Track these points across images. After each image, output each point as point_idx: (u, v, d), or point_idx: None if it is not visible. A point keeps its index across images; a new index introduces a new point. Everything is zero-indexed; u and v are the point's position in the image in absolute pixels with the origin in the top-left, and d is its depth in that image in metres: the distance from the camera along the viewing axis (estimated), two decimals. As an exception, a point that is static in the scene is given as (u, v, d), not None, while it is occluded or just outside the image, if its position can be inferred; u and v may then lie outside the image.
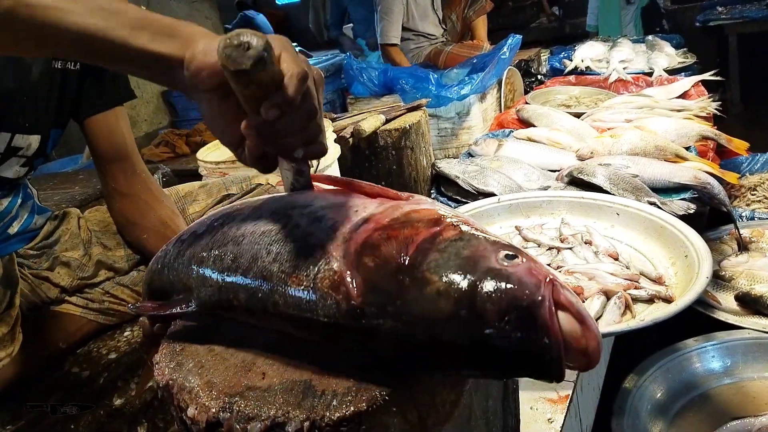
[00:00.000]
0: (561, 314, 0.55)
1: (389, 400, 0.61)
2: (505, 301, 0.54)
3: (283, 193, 0.80)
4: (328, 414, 0.60)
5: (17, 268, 1.25)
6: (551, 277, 0.56)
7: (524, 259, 0.58)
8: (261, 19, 7.10)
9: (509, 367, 0.57)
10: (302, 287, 0.63)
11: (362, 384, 0.63)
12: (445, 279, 0.57)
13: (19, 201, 1.27)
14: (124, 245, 1.38)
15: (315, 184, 0.79)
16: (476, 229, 0.63)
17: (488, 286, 0.55)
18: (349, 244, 0.63)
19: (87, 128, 1.29)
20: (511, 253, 0.58)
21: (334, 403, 0.61)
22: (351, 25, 5.06)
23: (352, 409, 0.60)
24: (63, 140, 3.63)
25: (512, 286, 0.55)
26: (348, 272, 0.61)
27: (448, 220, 0.64)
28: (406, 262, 0.59)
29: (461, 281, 0.56)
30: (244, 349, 0.73)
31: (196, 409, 0.66)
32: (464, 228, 0.63)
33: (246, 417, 0.62)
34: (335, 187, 0.78)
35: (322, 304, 0.62)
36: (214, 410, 0.64)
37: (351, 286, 0.60)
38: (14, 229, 1.26)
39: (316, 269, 0.63)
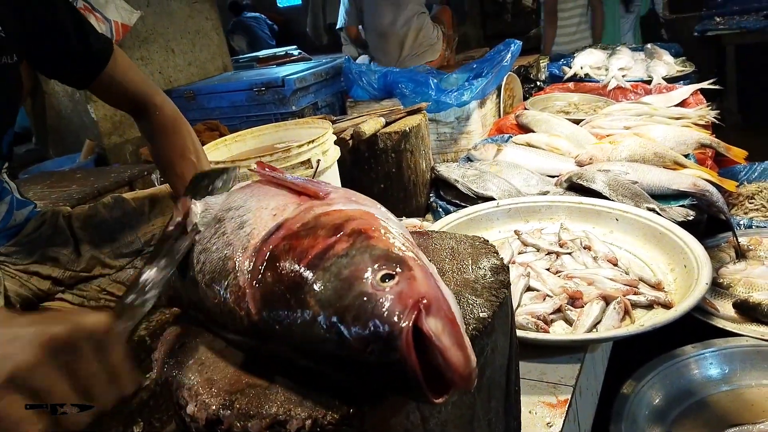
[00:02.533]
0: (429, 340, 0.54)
1: (391, 400, 0.61)
2: (367, 331, 0.55)
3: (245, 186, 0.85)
4: (330, 412, 0.59)
5: None
6: (421, 300, 0.55)
7: (401, 280, 0.57)
8: (261, 23, 7.11)
9: (383, 387, 0.58)
10: (215, 300, 0.69)
11: (362, 384, 0.62)
12: (320, 303, 0.58)
13: None
14: (110, 241, 1.36)
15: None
16: (371, 243, 0.62)
17: (354, 314, 0.56)
18: (257, 257, 0.66)
19: (95, 89, 1.32)
20: (390, 272, 0.58)
21: (337, 401, 0.60)
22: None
23: (354, 407, 0.59)
24: (59, 139, 3.60)
25: (375, 315, 0.55)
26: (249, 288, 0.65)
27: (350, 227, 0.64)
28: (295, 281, 0.61)
29: (332, 307, 0.58)
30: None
31: (195, 406, 0.65)
32: (359, 239, 0.62)
33: (247, 415, 0.62)
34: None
35: (230, 317, 0.67)
36: (214, 407, 0.64)
37: (251, 302, 0.64)
38: None
39: (225, 282, 0.68)
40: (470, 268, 0.81)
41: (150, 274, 0.68)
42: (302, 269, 0.61)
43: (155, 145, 1.36)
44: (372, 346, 0.54)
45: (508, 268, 0.81)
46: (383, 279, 0.57)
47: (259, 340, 0.65)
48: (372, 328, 0.54)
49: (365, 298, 0.56)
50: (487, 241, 0.89)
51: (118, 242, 1.36)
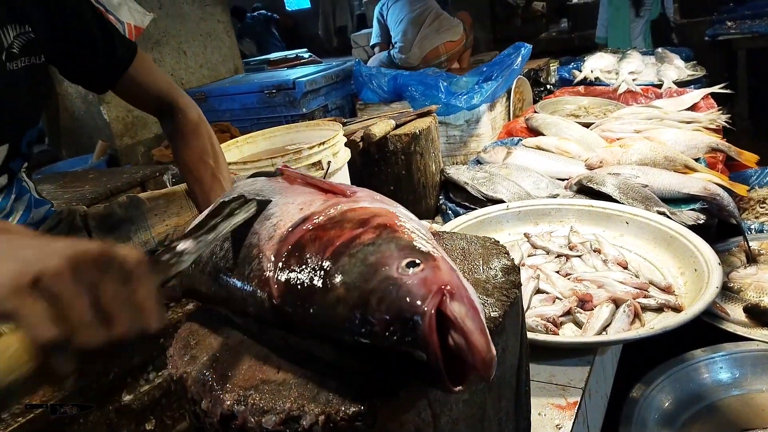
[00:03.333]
0: (450, 325, 0.54)
1: (403, 397, 0.61)
2: (391, 312, 0.55)
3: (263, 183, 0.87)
4: (343, 408, 0.60)
5: None
6: (446, 286, 0.55)
7: (426, 267, 0.58)
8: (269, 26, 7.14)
9: (401, 374, 0.59)
10: (237, 285, 0.70)
11: (375, 381, 0.63)
12: (345, 286, 0.59)
13: (13, 197, 1.27)
14: (126, 240, 1.38)
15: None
16: (397, 233, 0.64)
17: (379, 296, 0.57)
18: (282, 245, 0.68)
19: (119, 91, 1.35)
20: (414, 259, 0.59)
21: (350, 397, 0.61)
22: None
23: (367, 404, 0.60)
24: (72, 140, 3.64)
25: (399, 297, 0.55)
26: (274, 273, 0.66)
27: (376, 221, 0.66)
28: (321, 266, 0.62)
29: (357, 289, 0.58)
30: (258, 344, 0.74)
31: (210, 401, 0.66)
32: (385, 231, 0.64)
33: (261, 410, 0.62)
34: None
35: (252, 300, 0.67)
36: (228, 403, 0.64)
37: (274, 285, 0.65)
38: None
39: (249, 268, 0.69)
40: (481, 268, 0.82)
41: (188, 243, 0.67)
42: (328, 255, 0.62)
43: (176, 146, 1.39)
44: (394, 327, 0.54)
45: (518, 268, 0.81)
46: (408, 266, 0.58)
47: (279, 325, 0.66)
48: (396, 309, 0.55)
49: (390, 282, 0.57)
50: (498, 241, 0.90)
51: (132, 241, 1.37)
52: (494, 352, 0.54)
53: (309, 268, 0.63)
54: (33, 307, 0.51)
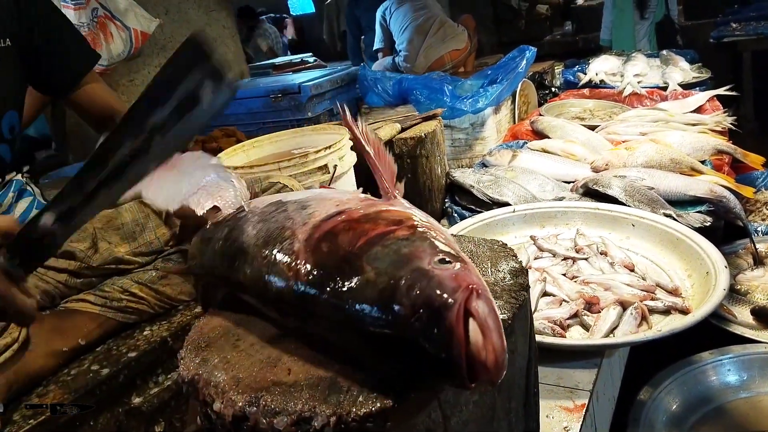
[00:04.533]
0: (471, 323, 0.55)
1: (415, 398, 0.62)
2: (420, 298, 0.56)
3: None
4: (354, 410, 0.60)
5: None
6: (474, 285, 0.57)
7: (457, 266, 0.59)
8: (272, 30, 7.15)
9: (418, 363, 0.58)
10: (264, 260, 0.71)
11: (387, 381, 0.63)
12: (376, 270, 0.61)
13: (11, 195, 1.29)
14: (131, 241, 1.39)
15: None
16: (431, 235, 0.65)
17: (409, 282, 0.58)
18: (315, 230, 0.70)
19: (71, 103, 1.34)
20: (446, 258, 0.60)
21: (360, 399, 0.61)
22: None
23: (378, 405, 0.60)
24: (78, 145, 3.66)
25: (430, 286, 0.57)
26: (303, 252, 0.67)
27: (410, 222, 0.68)
28: (352, 251, 0.64)
29: (388, 274, 0.60)
30: (269, 346, 0.74)
31: (222, 403, 0.67)
32: (419, 230, 0.66)
33: (272, 411, 0.63)
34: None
35: (276, 278, 0.69)
36: (240, 404, 0.65)
37: (302, 265, 0.66)
38: None
39: (280, 246, 0.70)
40: (489, 270, 0.82)
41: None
42: (360, 243, 0.64)
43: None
44: (421, 314, 0.55)
45: (527, 271, 0.82)
46: (440, 262, 0.59)
47: (300, 307, 0.66)
48: (425, 297, 0.56)
49: (422, 272, 0.58)
50: (506, 244, 0.91)
51: (137, 242, 1.38)
52: (506, 355, 0.55)
53: (340, 252, 0.64)
54: None
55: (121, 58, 2.98)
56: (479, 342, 0.54)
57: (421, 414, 0.62)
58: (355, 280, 0.61)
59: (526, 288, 0.77)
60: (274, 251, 0.71)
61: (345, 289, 0.61)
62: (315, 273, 0.65)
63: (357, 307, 0.60)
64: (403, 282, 0.58)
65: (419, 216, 0.71)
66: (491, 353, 0.54)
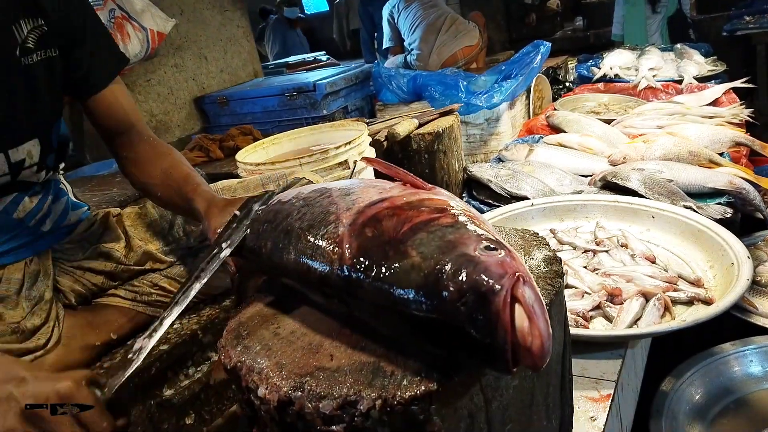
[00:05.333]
0: (517, 308, 0.56)
1: (458, 382, 0.63)
2: (467, 283, 0.57)
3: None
4: (399, 393, 0.62)
5: (53, 263, 1.29)
6: (520, 273, 0.58)
7: (502, 253, 0.60)
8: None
9: (461, 347, 0.59)
10: (309, 243, 0.73)
11: (430, 366, 0.64)
12: (421, 255, 0.62)
13: (50, 198, 1.29)
14: (162, 237, 1.40)
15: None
16: (475, 224, 0.66)
17: (456, 266, 0.59)
18: (359, 215, 0.71)
19: (90, 107, 1.28)
20: (491, 245, 0.61)
21: (405, 382, 0.63)
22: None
23: (422, 388, 0.62)
24: (95, 145, 3.69)
25: (477, 271, 0.58)
26: (348, 237, 0.69)
27: (453, 211, 0.69)
28: (397, 236, 0.65)
29: (434, 259, 0.61)
30: (310, 333, 0.76)
31: (266, 388, 0.68)
32: (462, 219, 0.67)
33: (318, 396, 0.64)
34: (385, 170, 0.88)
35: (320, 259, 0.70)
36: (285, 389, 0.66)
37: (346, 248, 0.68)
38: (47, 226, 1.28)
39: (325, 230, 0.72)
40: (523, 259, 0.84)
41: (143, 342, 0.85)
42: (405, 228, 0.65)
43: (153, 166, 1.30)
44: (467, 297, 0.56)
45: (560, 259, 0.83)
46: (486, 249, 0.60)
47: (344, 290, 0.67)
48: (472, 282, 0.57)
49: (468, 258, 0.59)
50: (537, 233, 0.92)
51: (167, 239, 1.40)
52: (551, 341, 0.56)
53: (385, 236, 0.65)
54: None
55: (138, 59, 3.01)
56: (525, 327, 0.55)
57: (464, 397, 0.64)
58: (400, 264, 0.62)
59: (561, 275, 0.78)
60: (319, 234, 0.72)
61: (390, 272, 0.62)
62: (359, 256, 0.66)
63: (402, 290, 0.61)
64: (450, 267, 0.59)
65: (462, 205, 0.72)
66: (537, 338, 0.55)
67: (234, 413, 1.33)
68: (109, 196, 2.38)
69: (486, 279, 0.57)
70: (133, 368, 0.81)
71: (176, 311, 0.86)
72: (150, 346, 0.84)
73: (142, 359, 0.82)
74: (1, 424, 0.68)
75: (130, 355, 0.82)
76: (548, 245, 0.87)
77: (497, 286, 0.56)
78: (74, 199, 1.41)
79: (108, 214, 1.44)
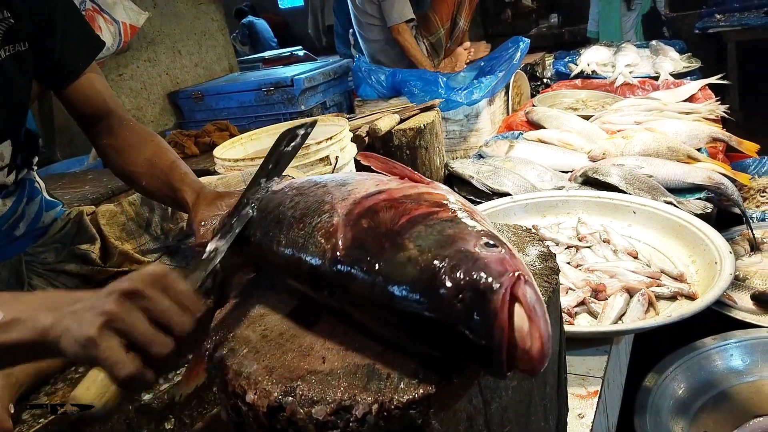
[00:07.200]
0: (516, 308, 0.54)
1: (456, 384, 0.61)
2: (465, 279, 0.55)
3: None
4: (396, 396, 0.59)
5: (25, 267, 1.24)
6: (520, 272, 0.55)
7: (503, 251, 0.58)
8: (261, 25, 7.11)
9: (455, 346, 0.57)
10: (301, 232, 0.71)
11: (426, 368, 0.62)
12: (418, 248, 0.59)
13: (25, 200, 1.24)
14: (138, 237, 1.36)
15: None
16: (475, 220, 0.64)
17: (454, 262, 0.56)
18: (355, 206, 0.69)
19: (66, 95, 1.23)
20: (491, 242, 0.59)
21: (402, 385, 0.60)
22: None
23: (420, 391, 0.59)
24: (66, 141, 3.60)
25: (476, 267, 0.55)
26: (342, 227, 0.67)
27: (453, 206, 0.66)
28: (394, 228, 0.63)
29: (431, 253, 0.58)
30: (300, 336, 0.73)
31: (255, 394, 0.65)
32: (462, 214, 0.65)
33: (310, 401, 0.61)
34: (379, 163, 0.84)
35: (312, 249, 0.68)
36: (275, 395, 0.63)
37: (340, 238, 0.66)
38: (20, 230, 1.23)
39: (319, 219, 0.69)
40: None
41: (216, 243, 0.78)
42: (403, 221, 0.62)
43: (136, 152, 1.25)
44: (465, 294, 0.54)
45: (555, 255, 0.81)
46: (486, 245, 0.58)
47: (335, 283, 0.65)
48: (470, 279, 0.54)
49: (468, 254, 0.57)
50: (530, 229, 0.90)
51: (144, 238, 1.36)
52: (551, 343, 0.53)
53: (382, 227, 0.63)
54: (108, 348, 0.63)
55: (110, 53, 2.94)
56: (524, 328, 0.53)
57: (462, 400, 0.61)
58: (396, 256, 0.59)
59: (557, 272, 0.77)
60: (312, 223, 0.69)
61: (385, 265, 0.60)
62: (354, 247, 0.63)
63: (396, 284, 0.58)
64: (448, 261, 0.56)
65: (461, 200, 0.70)
66: (537, 340, 0.53)
67: (215, 417, 1.29)
68: (82, 194, 2.32)
69: (485, 276, 0.54)
70: (213, 266, 0.78)
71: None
72: (225, 249, 0.79)
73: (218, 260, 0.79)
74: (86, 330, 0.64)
75: (204, 256, 0.79)
76: (542, 241, 0.85)
77: (496, 284, 0.54)
78: (48, 197, 1.36)
79: (81, 213, 1.39)
